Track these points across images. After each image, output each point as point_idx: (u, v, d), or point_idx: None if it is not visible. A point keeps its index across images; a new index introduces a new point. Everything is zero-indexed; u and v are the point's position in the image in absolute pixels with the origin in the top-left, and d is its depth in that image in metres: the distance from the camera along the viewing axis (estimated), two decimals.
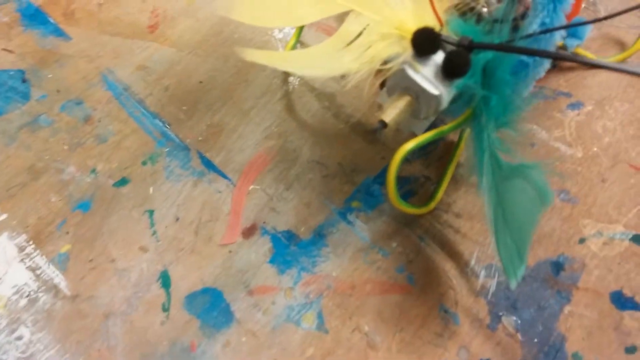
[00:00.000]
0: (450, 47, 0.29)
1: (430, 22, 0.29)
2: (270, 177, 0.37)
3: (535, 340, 0.31)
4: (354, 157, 0.38)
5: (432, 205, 0.35)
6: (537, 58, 0.31)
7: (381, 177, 0.37)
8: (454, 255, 0.34)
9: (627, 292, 0.32)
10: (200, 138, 0.39)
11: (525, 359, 0.31)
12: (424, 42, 0.28)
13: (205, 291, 0.33)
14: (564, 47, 0.39)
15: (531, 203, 0.28)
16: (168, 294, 0.33)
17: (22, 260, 0.34)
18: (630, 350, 0.31)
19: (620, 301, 0.32)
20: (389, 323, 0.32)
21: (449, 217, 0.35)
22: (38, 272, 0.34)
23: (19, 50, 0.43)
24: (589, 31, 0.39)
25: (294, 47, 0.42)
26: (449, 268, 0.34)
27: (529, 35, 0.30)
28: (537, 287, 0.33)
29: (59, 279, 0.34)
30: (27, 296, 0.33)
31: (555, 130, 0.38)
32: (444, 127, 0.31)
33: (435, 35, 0.28)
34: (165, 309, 0.33)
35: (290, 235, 0.35)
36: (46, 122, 0.39)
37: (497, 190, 0.29)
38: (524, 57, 0.30)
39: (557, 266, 0.33)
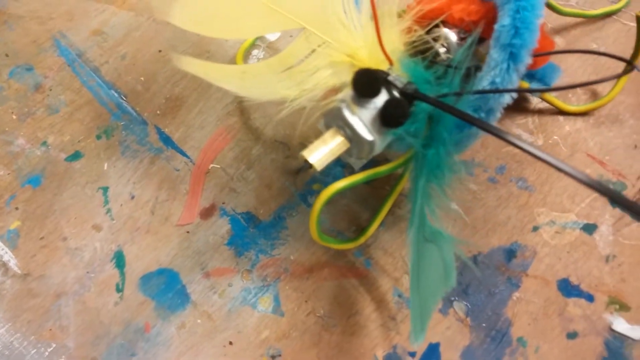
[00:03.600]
0: (394, 91, 0.27)
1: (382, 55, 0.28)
2: (230, 156, 0.36)
3: (484, 325, 0.32)
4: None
5: (362, 240, 0.34)
6: (486, 113, 0.29)
7: (343, 160, 0.37)
8: None
9: (574, 280, 0.33)
10: (158, 112, 0.37)
11: (473, 343, 0.32)
12: (365, 84, 0.27)
13: (161, 272, 0.33)
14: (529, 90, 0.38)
15: (439, 277, 0.28)
16: (122, 275, 0.33)
17: None
18: (572, 335, 0.32)
19: (567, 289, 0.33)
20: (343, 306, 0.33)
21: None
22: None
23: None
24: (559, 77, 0.37)
25: (247, 51, 0.40)
26: (405, 253, 0.34)
27: (477, 92, 0.28)
28: (489, 273, 0.34)
29: (8, 256, 0.33)
30: None
31: (518, 117, 0.38)
32: (381, 168, 0.30)
33: (378, 78, 0.27)
34: (119, 289, 0.32)
35: (250, 217, 0.35)
36: None
37: (418, 247, 0.29)
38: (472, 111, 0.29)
39: (510, 253, 0.34)
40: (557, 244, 0.34)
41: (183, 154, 0.36)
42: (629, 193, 0.36)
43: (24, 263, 0.33)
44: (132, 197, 0.35)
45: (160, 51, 0.40)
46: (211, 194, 0.35)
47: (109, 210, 0.34)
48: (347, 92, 0.27)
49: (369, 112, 0.27)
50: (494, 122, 0.30)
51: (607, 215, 0.35)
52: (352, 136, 0.27)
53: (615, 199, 0.20)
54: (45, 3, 0.41)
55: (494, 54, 0.29)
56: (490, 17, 0.30)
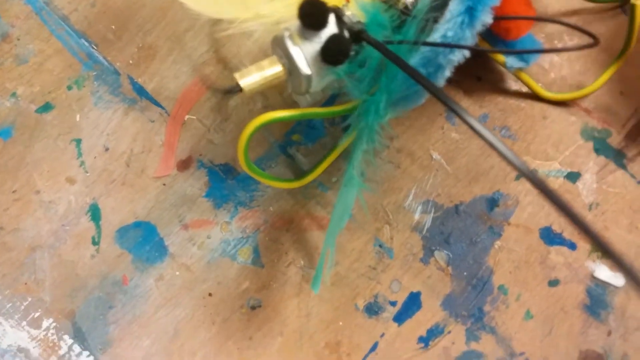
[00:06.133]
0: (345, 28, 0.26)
1: None
2: (207, 106, 0.35)
3: (465, 273, 0.32)
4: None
5: (301, 182, 0.32)
6: (435, 69, 0.28)
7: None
8: (393, 190, 0.34)
9: (556, 229, 0.33)
10: (131, 62, 0.36)
11: (454, 291, 0.32)
12: (309, 15, 0.25)
13: (138, 225, 0.32)
14: (504, 66, 0.35)
15: (337, 219, 0.28)
16: (98, 227, 0.32)
17: None
18: (553, 283, 0.32)
19: (549, 237, 0.33)
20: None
21: (390, 153, 0.35)
22: None
23: None
24: (538, 56, 0.35)
25: None
26: (386, 203, 0.34)
27: (423, 43, 0.27)
28: (471, 222, 0.33)
29: None
30: None
31: (489, 95, 0.37)
32: (320, 110, 0.29)
33: (323, 10, 0.25)
34: (96, 242, 0.32)
35: (228, 169, 0.34)
36: None
37: (340, 192, 0.29)
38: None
39: (492, 202, 0.34)
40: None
41: (158, 104, 0.35)
42: (614, 141, 0.35)
43: None
44: (107, 149, 0.34)
45: None
46: (188, 145, 0.34)
47: (82, 163, 0.33)
48: (295, 22, 0.26)
49: (312, 45, 0.26)
50: (442, 80, 0.28)
51: (591, 163, 0.35)
52: (291, 67, 0.27)
53: (540, 188, 0.20)
54: None
55: (452, 6, 0.27)
56: None
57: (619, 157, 0.35)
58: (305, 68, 0.26)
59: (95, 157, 0.34)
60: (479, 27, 0.27)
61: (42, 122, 0.34)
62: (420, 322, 0.31)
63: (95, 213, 0.32)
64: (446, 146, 0.35)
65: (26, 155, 0.33)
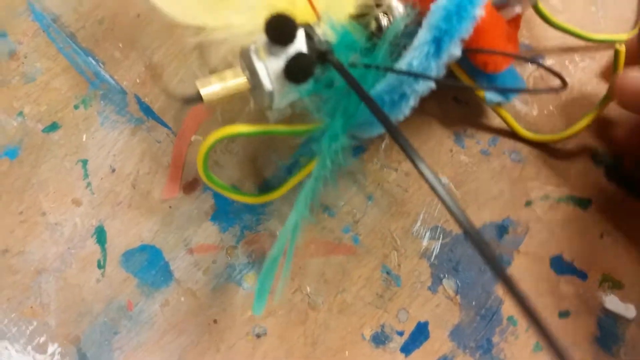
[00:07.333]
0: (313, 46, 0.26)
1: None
2: (214, 127, 0.35)
3: (474, 303, 0.32)
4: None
5: (264, 198, 0.32)
6: (399, 97, 0.27)
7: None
8: (401, 215, 0.33)
9: (567, 257, 0.33)
10: (137, 80, 0.36)
11: (463, 321, 0.32)
12: (275, 30, 0.25)
13: (143, 248, 0.32)
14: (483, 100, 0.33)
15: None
16: (104, 251, 0.32)
17: None
18: (564, 314, 0.32)
19: (560, 266, 0.33)
20: (330, 284, 0.32)
21: (398, 176, 0.34)
22: None
23: None
24: (522, 90, 0.34)
25: None
26: (394, 228, 0.33)
27: (390, 70, 0.26)
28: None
29: None
30: None
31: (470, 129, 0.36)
32: (281, 127, 0.28)
33: (290, 26, 0.25)
34: (101, 266, 0.32)
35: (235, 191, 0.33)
36: None
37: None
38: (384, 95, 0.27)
39: (502, 229, 0.33)
40: (550, 219, 0.34)
41: (164, 124, 0.35)
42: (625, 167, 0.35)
43: (2, 238, 0.32)
44: (113, 170, 0.34)
45: (139, 15, 0.37)
46: (195, 167, 0.34)
47: (89, 184, 0.33)
48: (263, 35, 0.25)
49: (278, 61, 0.25)
50: (407, 109, 0.28)
51: (602, 190, 0.34)
52: (254, 81, 0.26)
53: (477, 244, 0.19)
54: None
55: (420, 34, 0.26)
56: None
57: (630, 185, 0.34)
58: (267, 84, 0.26)
59: (101, 178, 0.33)
60: (445, 58, 0.26)
61: (49, 142, 0.34)
62: (428, 353, 0.31)
63: (101, 236, 0.32)
64: (455, 169, 0.34)
65: (32, 175, 0.33)
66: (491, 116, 0.35)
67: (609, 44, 0.37)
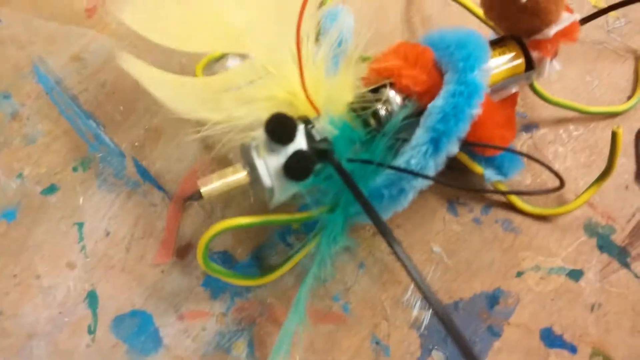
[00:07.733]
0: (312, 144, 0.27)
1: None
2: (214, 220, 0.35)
3: None
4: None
5: (263, 280, 0.32)
6: (398, 192, 0.28)
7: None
8: (392, 284, 0.34)
9: (557, 330, 0.33)
10: (136, 143, 0.37)
11: None
12: (276, 130, 0.25)
13: (134, 314, 0.32)
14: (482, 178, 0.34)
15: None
16: (95, 316, 0.32)
17: None
18: None
19: (550, 338, 0.32)
20: (320, 353, 0.32)
21: None
22: None
23: None
24: (518, 170, 0.34)
25: (210, 64, 0.38)
26: (385, 297, 0.33)
27: (390, 167, 0.27)
28: (470, 321, 0.33)
29: None
30: None
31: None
32: (281, 217, 0.30)
33: (290, 126, 0.26)
34: (91, 331, 0.32)
35: (227, 257, 0.34)
36: None
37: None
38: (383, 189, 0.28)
39: (492, 300, 0.33)
40: (541, 290, 0.34)
41: (160, 188, 0.35)
42: (618, 237, 0.35)
43: None
44: (108, 234, 0.34)
45: None
46: (188, 231, 0.34)
47: (83, 247, 0.34)
48: (262, 132, 0.26)
49: (278, 158, 0.26)
50: (405, 202, 0.29)
51: (594, 261, 0.34)
52: (254, 177, 0.27)
53: (446, 325, 0.20)
54: (26, 27, 0.40)
55: (418, 133, 0.27)
56: (434, 92, 0.28)
57: (622, 255, 0.34)
58: (267, 181, 0.26)
59: (96, 242, 0.34)
60: (443, 156, 0.27)
61: (46, 205, 0.35)
62: None
63: (92, 300, 0.32)
64: (447, 238, 0.35)
65: (28, 238, 0.34)
66: (484, 185, 0.36)
67: (603, 115, 0.38)
